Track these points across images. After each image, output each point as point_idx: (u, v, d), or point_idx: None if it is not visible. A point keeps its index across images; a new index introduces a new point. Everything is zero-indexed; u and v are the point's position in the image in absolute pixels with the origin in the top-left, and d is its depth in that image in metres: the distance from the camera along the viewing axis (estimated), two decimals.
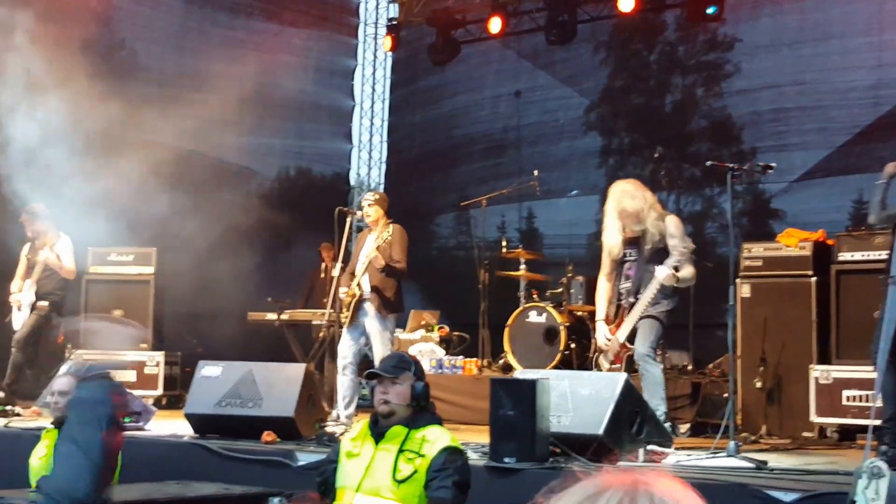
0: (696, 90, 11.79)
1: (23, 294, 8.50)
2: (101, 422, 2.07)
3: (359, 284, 7.45)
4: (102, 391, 2.12)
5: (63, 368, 6.35)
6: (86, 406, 2.09)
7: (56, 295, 8.57)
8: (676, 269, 6.34)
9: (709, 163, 6.66)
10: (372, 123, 14.31)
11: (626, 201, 6.48)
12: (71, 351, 9.19)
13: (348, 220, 7.64)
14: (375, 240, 7.44)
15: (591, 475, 1.16)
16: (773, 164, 6.62)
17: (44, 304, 8.50)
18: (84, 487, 2.04)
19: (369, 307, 7.43)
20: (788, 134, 10.80)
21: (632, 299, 6.49)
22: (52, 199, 8.65)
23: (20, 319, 8.50)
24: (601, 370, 6.60)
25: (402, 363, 4.32)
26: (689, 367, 8.82)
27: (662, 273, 6.31)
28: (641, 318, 6.42)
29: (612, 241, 6.59)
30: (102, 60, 9.67)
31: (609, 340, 6.56)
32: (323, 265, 10.35)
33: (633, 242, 6.54)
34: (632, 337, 6.48)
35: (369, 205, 7.58)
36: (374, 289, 7.41)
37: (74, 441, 2.06)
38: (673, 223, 6.45)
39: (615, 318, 6.59)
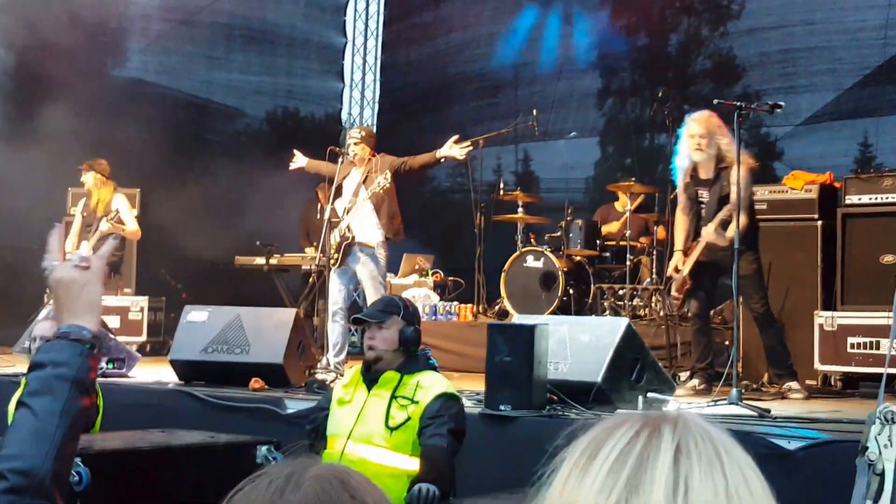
0: (702, 30, 11.48)
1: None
2: (64, 385, 1.76)
3: (349, 227, 7.22)
4: (69, 352, 1.79)
5: (42, 313, 6.16)
6: (47, 370, 1.77)
7: (115, 255, 8.45)
8: (725, 226, 6.47)
9: (716, 101, 6.51)
10: (364, 61, 13.96)
11: (693, 125, 6.65)
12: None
13: (340, 160, 7.38)
14: (364, 181, 7.21)
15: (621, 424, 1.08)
16: (782, 104, 6.43)
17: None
18: (35, 457, 1.72)
19: (358, 251, 7.22)
20: (796, 75, 10.54)
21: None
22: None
23: None
24: (670, 296, 7.03)
25: (389, 307, 4.18)
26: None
27: (708, 231, 6.54)
28: (745, 289, 6.57)
29: (680, 162, 6.77)
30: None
31: (677, 272, 6.75)
32: (319, 206, 10.12)
33: (706, 185, 6.67)
34: (693, 273, 6.66)
35: (356, 143, 7.32)
36: (373, 227, 7.20)
37: (29, 407, 1.76)
38: (743, 171, 6.47)
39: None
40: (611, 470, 1.01)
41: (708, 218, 6.63)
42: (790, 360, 6.72)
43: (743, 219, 6.39)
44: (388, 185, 7.03)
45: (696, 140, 6.58)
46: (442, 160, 7.34)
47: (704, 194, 6.71)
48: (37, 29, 9.08)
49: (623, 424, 1.05)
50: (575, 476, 1.03)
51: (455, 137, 7.28)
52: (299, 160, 7.73)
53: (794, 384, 6.59)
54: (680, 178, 6.82)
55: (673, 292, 6.87)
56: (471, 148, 7.30)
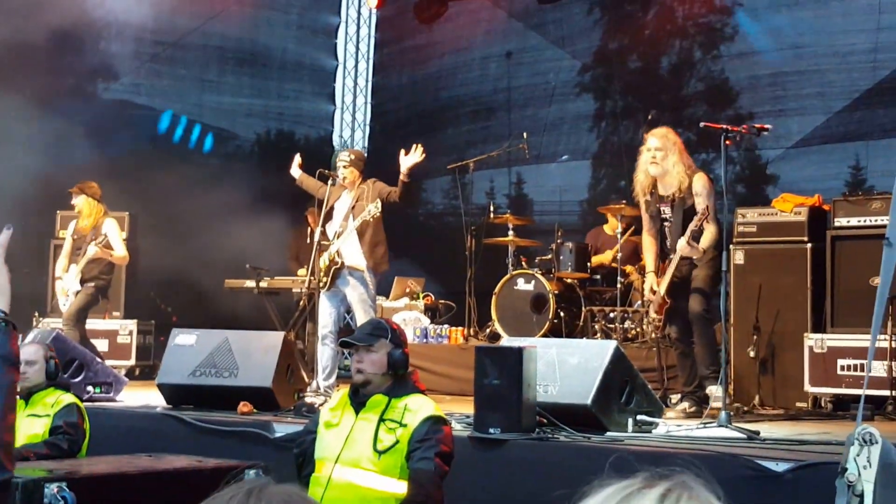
0: (694, 53, 11.54)
1: (69, 280, 8.31)
2: (3, 362, 1.88)
3: (338, 251, 7.23)
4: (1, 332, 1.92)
5: (29, 336, 6.12)
6: None
7: (103, 279, 8.41)
8: (697, 237, 6.46)
9: (702, 124, 6.53)
10: (356, 84, 14.02)
11: (651, 139, 6.67)
12: (38, 319, 9.01)
13: (329, 182, 7.39)
14: (353, 207, 7.22)
15: (628, 478, 1.19)
16: (769, 126, 6.48)
17: (91, 285, 8.34)
18: None
19: (347, 274, 7.22)
20: (786, 99, 10.59)
21: (672, 256, 6.67)
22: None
23: (67, 302, 8.36)
24: (649, 317, 7.00)
25: (377, 330, 4.16)
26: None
27: (680, 245, 6.48)
28: (694, 285, 6.58)
29: (640, 177, 6.75)
30: (72, 16, 9.40)
31: (654, 293, 6.71)
32: (309, 230, 10.15)
33: (667, 201, 6.66)
34: (670, 291, 6.62)
35: (344, 166, 7.34)
36: (360, 252, 7.20)
37: None
38: (700, 182, 6.53)
39: (663, 271, 6.77)
40: (604, 500, 1.12)
41: (675, 234, 6.62)
42: (716, 367, 6.51)
43: (713, 229, 6.46)
44: (377, 214, 7.05)
45: (651, 153, 6.62)
46: (409, 178, 7.28)
47: (667, 210, 6.71)
48: (26, 50, 9.09)
49: (628, 478, 1.15)
50: None
51: (402, 151, 7.28)
52: (295, 169, 7.70)
53: (713, 387, 6.43)
54: (640, 197, 6.81)
55: (652, 314, 6.83)
56: (420, 148, 7.25)
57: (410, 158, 7.21)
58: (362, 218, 7.10)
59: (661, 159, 6.58)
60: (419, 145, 7.27)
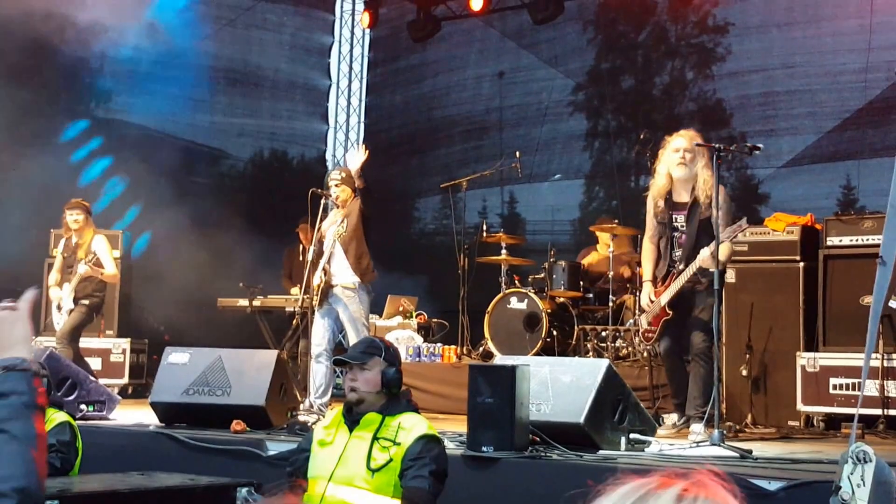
0: (686, 73, 11.60)
1: (62, 295, 8.30)
2: (30, 411, 1.96)
3: (326, 269, 7.24)
4: (24, 382, 2.01)
5: None
6: (12, 398, 1.98)
7: (96, 297, 8.41)
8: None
9: (695, 143, 6.49)
10: (349, 103, 14.05)
11: (678, 139, 6.45)
12: (34, 339, 8.99)
13: (322, 201, 7.41)
14: (337, 226, 7.24)
15: (644, 477, 1.19)
16: (760, 145, 6.45)
17: (84, 303, 8.33)
18: (27, 475, 1.92)
19: (339, 293, 7.23)
20: (777, 118, 10.64)
21: (681, 266, 6.47)
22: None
23: (60, 319, 8.34)
24: (640, 328, 6.81)
25: (370, 348, 4.17)
26: (662, 353, 8.67)
27: (703, 255, 6.24)
28: (695, 314, 6.42)
29: (659, 181, 6.52)
30: (67, 36, 9.43)
31: (651, 302, 6.55)
32: (301, 247, 10.15)
33: (683, 210, 6.47)
34: (672, 304, 6.47)
35: (336, 185, 7.35)
36: (349, 268, 7.22)
37: (7, 432, 1.94)
38: (722, 194, 6.30)
39: (664, 281, 6.57)
40: (619, 499, 1.12)
41: (687, 245, 6.43)
42: (706, 408, 6.21)
43: (726, 247, 6.28)
44: (343, 233, 7.08)
45: (680, 153, 6.37)
46: (364, 183, 7.24)
47: (680, 219, 6.51)
48: (19, 69, 9.11)
49: (644, 477, 1.15)
50: None
51: (350, 152, 7.31)
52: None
53: (698, 427, 6.21)
54: (651, 203, 6.59)
55: (644, 323, 6.68)
56: (363, 146, 7.28)
57: (356, 160, 7.23)
58: (334, 235, 7.14)
59: (689, 161, 6.36)
60: (363, 145, 7.28)
